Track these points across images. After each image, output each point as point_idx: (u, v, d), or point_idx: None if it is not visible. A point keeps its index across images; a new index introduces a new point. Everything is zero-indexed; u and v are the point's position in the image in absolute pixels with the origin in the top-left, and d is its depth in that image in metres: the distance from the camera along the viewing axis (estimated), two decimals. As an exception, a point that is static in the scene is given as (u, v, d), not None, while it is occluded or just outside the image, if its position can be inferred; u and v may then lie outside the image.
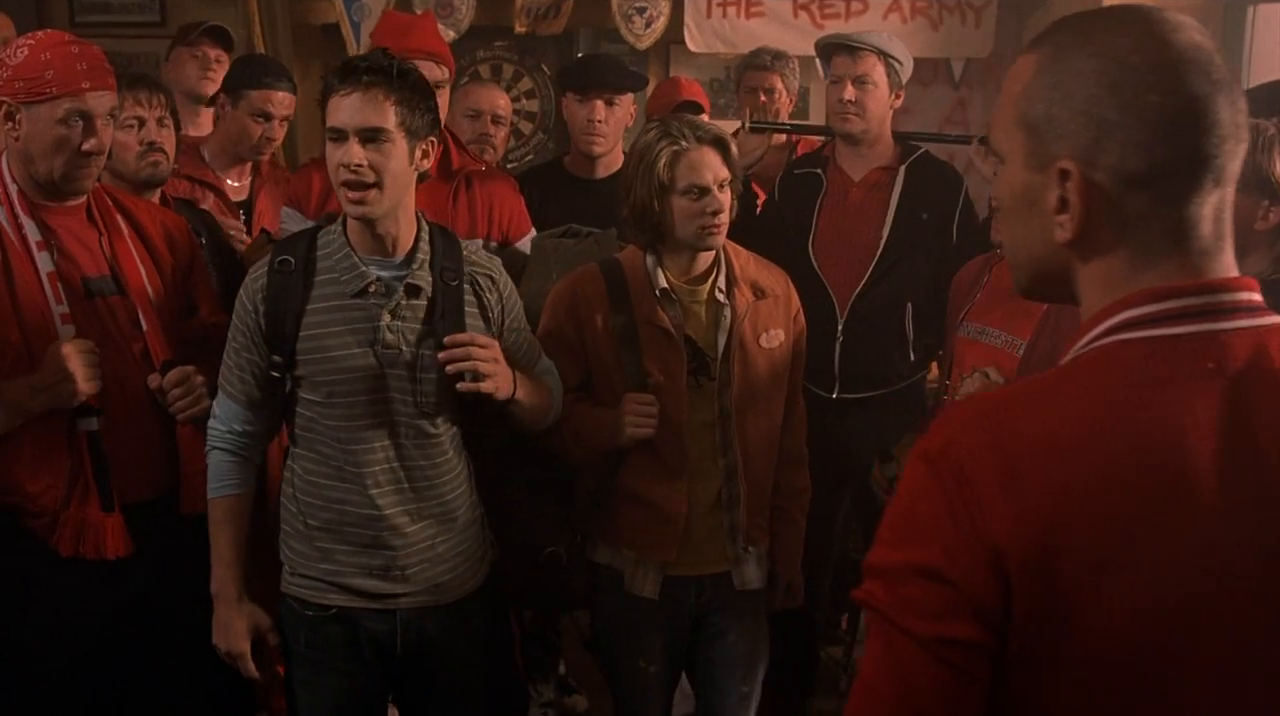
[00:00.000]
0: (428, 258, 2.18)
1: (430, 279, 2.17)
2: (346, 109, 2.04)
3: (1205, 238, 1.02)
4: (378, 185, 2.05)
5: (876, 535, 1.02)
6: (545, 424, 2.38)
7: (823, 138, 3.40)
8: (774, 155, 3.57)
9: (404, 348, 2.13)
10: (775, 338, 2.48)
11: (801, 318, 2.58)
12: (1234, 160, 1.02)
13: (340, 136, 2.05)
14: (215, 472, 2.22)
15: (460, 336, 2.13)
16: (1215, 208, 1.02)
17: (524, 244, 2.98)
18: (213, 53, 3.58)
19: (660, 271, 2.42)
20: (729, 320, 2.42)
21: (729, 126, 2.83)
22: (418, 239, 2.18)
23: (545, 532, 2.48)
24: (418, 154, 2.10)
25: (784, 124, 3.76)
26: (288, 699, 2.29)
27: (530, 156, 5.37)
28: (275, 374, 2.15)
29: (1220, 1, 4.49)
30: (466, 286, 2.21)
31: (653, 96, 4.07)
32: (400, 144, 2.07)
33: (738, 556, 2.50)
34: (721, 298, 2.43)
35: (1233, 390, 0.98)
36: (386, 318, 2.12)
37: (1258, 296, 1.03)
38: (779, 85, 3.92)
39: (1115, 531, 0.94)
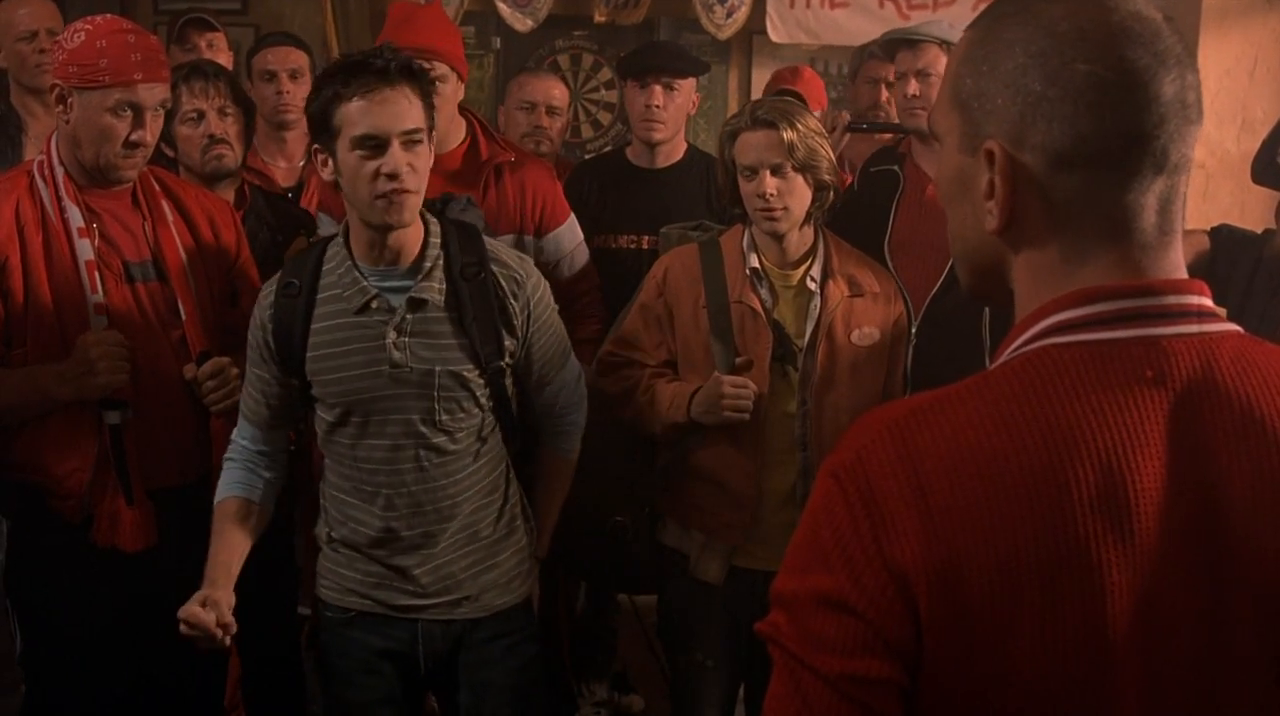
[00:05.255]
0: (439, 261, 2.06)
1: (439, 286, 2.05)
2: (387, 112, 1.92)
3: (1147, 231, 0.91)
4: (417, 191, 1.97)
5: (784, 560, 0.93)
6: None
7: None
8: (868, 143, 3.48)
9: (412, 365, 2.03)
10: (869, 337, 2.43)
11: (904, 322, 2.52)
12: (1179, 144, 0.90)
13: (379, 144, 1.93)
14: (222, 481, 2.16)
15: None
16: (1160, 198, 0.91)
17: (561, 232, 2.91)
18: (202, 39, 3.52)
19: (754, 252, 2.42)
20: (818, 310, 2.39)
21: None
22: (425, 243, 2.06)
23: (614, 502, 2.47)
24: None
25: (883, 124, 3.64)
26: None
27: (608, 147, 5.32)
28: (290, 393, 2.10)
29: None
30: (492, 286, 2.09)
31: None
32: (426, 143, 1.99)
33: None
34: (813, 286, 2.40)
35: (1177, 403, 0.87)
36: (392, 335, 2.02)
37: (1208, 301, 0.92)
38: None
39: (1031, 556, 0.84)
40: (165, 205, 2.37)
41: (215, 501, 2.14)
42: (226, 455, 2.19)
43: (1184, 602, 0.86)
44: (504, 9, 4.61)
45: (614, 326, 2.62)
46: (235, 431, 2.19)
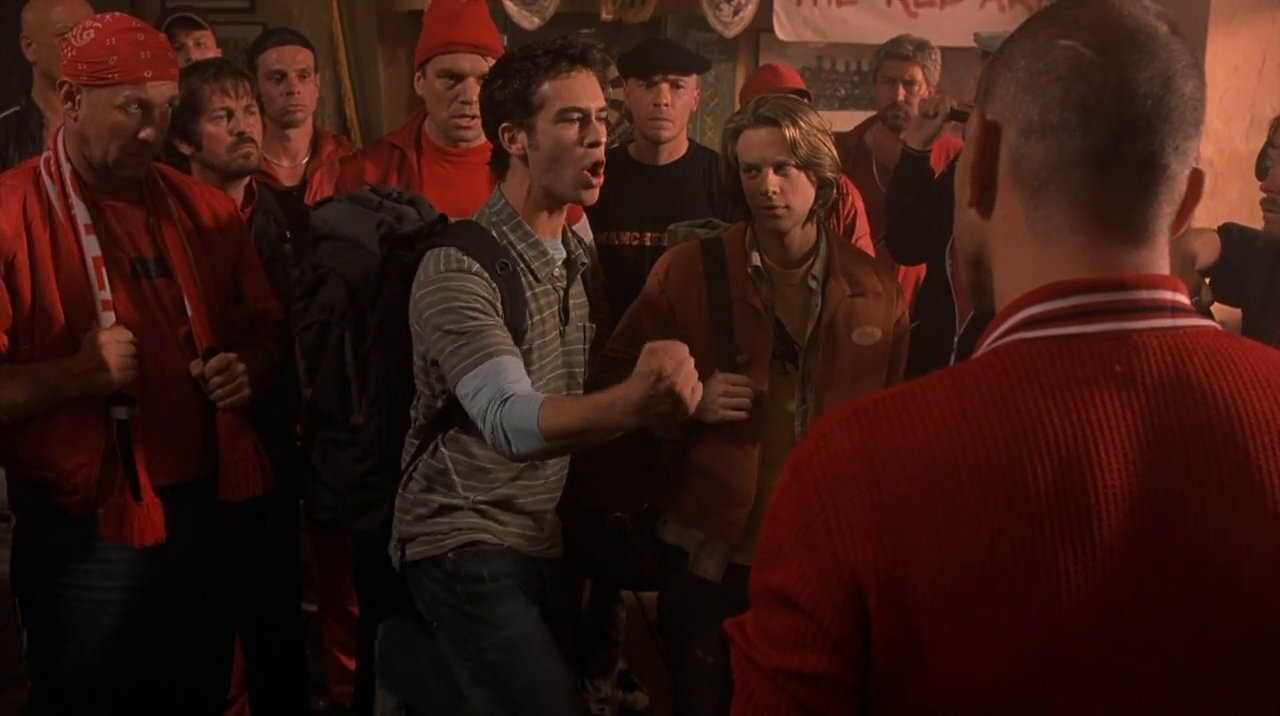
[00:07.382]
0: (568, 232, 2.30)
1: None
2: (587, 90, 2.12)
3: (1113, 219, 0.90)
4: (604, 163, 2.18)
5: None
6: None
7: None
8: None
9: (579, 321, 2.28)
10: (870, 336, 2.42)
11: (906, 322, 2.52)
12: (1149, 138, 0.89)
13: (583, 117, 2.12)
14: (522, 400, 1.92)
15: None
16: (1130, 192, 0.90)
17: (578, 229, 2.90)
18: (190, 38, 3.50)
19: (756, 250, 2.42)
20: (819, 308, 2.39)
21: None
22: None
23: (614, 498, 2.49)
24: None
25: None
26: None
27: (615, 144, 5.31)
28: None
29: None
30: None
31: (749, 85, 3.97)
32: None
33: None
34: (814, 285, 2.41)
35: (1148, 400, 0.86)
36: (571, 298, 2.26)
37: (1183, 297, 0.90)
38: (919, 77, 3.76)
39: (985, 553, 0.82)
40: (171, 202, 2.37)
41: (542, 402, 1.91)
42: (495, 397, 1.94)
43: (1156, 603, 0.84)
44: (511, 7, 4.61)
45: (619, 323, 2.62)
46: (494, 378, 1.96)
